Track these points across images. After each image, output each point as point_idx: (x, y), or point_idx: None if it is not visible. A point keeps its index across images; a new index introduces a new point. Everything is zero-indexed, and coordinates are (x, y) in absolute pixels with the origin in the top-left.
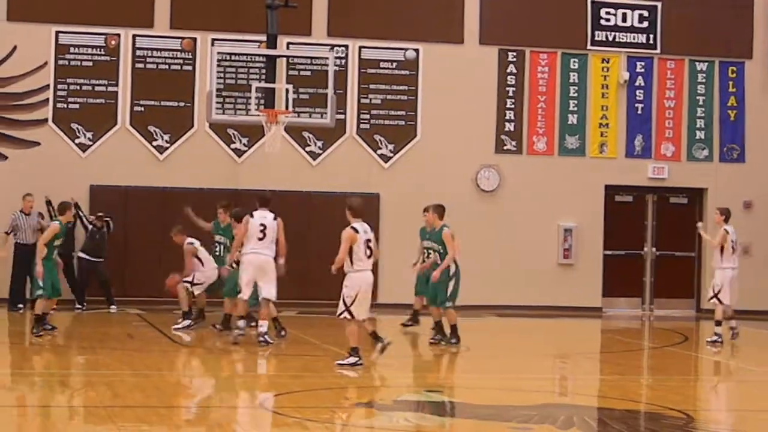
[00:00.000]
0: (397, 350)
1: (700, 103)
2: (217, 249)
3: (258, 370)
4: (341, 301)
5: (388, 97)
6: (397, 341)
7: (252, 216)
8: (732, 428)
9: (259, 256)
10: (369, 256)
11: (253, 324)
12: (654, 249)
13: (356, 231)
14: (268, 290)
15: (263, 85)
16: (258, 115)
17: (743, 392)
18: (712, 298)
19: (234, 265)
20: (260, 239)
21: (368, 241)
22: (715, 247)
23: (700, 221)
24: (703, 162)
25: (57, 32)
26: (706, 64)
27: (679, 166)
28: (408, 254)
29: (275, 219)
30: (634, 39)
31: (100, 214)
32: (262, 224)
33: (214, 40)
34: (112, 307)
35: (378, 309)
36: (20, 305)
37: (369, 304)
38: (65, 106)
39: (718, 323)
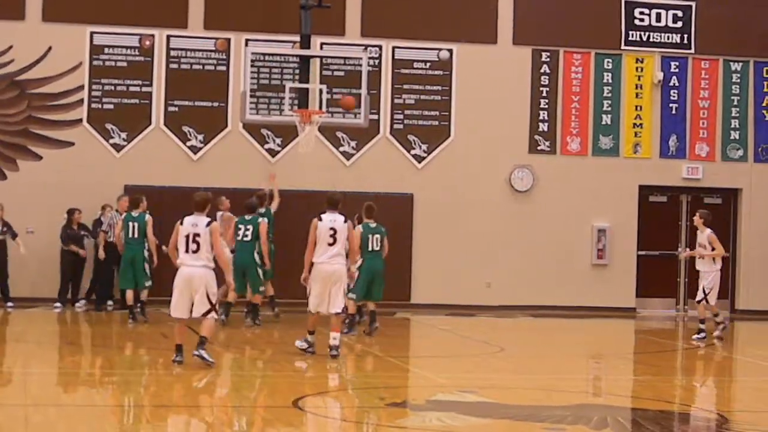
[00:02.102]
0: (430, 350)
1: (735, 103)
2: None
3: (290, 370)
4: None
5: (422, 97)
6: (431, 340)
7: (320, 219)
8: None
9: (329, 266)
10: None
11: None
12: (688, 249)
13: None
14: (335, 304)
15: (297, 85)
16: (292, 116)
17: None
18: (702, 299)
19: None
20: (330, 245)
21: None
22: (718, 254)
23: (683, 251)
24: (737, 162)
25: (92, 33)
26: (741, 63)
27: (713, 166)
28: (441, 254)
29: (345, 222)
30: (668, 39)
31: None
32: (332, 228)
33: (247, 40)
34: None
35: (412, 309)
36: (110, 302)
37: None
38: (100, 106)
39: (703, 321)
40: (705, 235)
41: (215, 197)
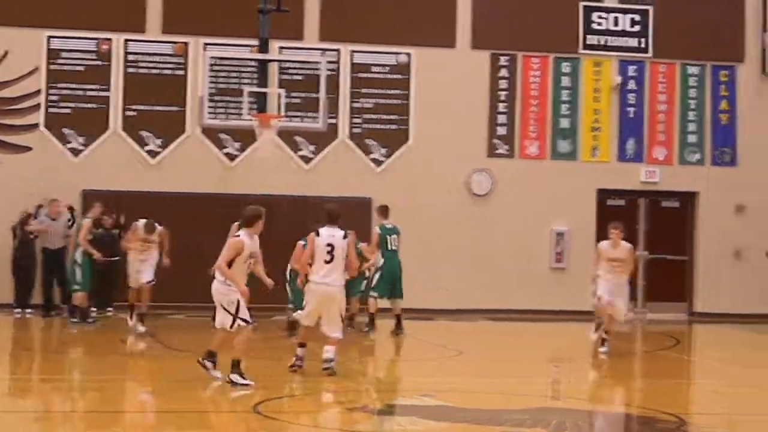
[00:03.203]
0: (388, 354)
1: (692, 106)
2: None
3: (252, 375)
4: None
5: (380, 101)
6: (389, 344)
7: (318, 234)
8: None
9: (325, 288)
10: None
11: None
12: (646, 253)
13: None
14: (332, 329)
15: (255, 89)
16: (250, 120)
17: (735, 395)
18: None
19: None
20: (327, 262)
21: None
22: (633, 271)
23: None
24: (695, 166)
25: (48, 37)
26: (698, 67)
27: (671, 169)
28: (402, 258)
29: (345, 237)
30: (626, 43)
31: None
32: (329, 244)
33: (206, 44)
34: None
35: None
36: (53, 311)
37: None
38: (57, 111)
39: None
40: (623, 248)
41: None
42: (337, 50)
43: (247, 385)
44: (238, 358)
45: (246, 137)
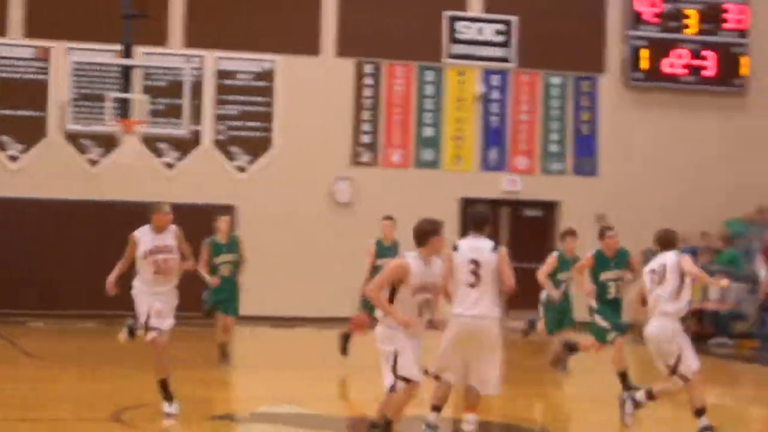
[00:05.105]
0: (253, 361)
1: (555, 116)
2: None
3: (109, 383)
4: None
5: (245, 108)
6: (254, 352)
7: (456, 249)
8: None
9: (473, 323)
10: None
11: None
12: None
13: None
14: (488, 382)
15: (119, 95)
16: (113, 126)
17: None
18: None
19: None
20: (471, 286)
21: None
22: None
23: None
24: (556, 175)
25: None
26: (561, 78)
27: (533, 179)
28: (263, 266)
29: (495, 249)
30: (489, 53)
31: None
32: (473, 261)
33: (69, 48)
34: None
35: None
36: None
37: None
38: None
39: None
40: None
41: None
42: (202, 56)
43: None
44: (391, 419)
45: (109, 143)
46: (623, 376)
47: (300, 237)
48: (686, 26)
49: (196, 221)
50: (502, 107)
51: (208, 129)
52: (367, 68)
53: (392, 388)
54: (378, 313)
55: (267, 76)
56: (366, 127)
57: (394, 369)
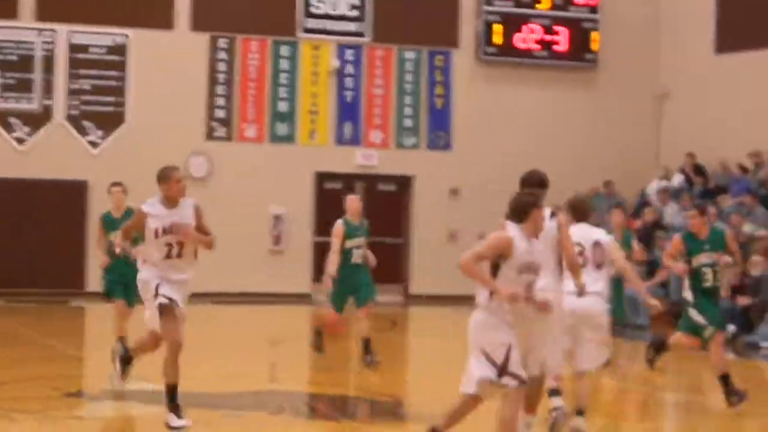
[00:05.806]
0: (105, 338)
1: (409, 91)
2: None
3: None
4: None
5: (98, 82)
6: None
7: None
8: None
9: (578, 301)
10: None
11: None
12: None
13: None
14: (591, 356)
15: None
16: None
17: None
18: None
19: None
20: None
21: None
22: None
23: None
24: (411, 149)
25: None
26: (415, 52)
27: (387, 153)
28: None
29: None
30: (344, 27)
31: None
32: (578, 244)
33: None
34: None
35: (87, 297)
36: None
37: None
38: None
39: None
40: None
41: None
42: (54, 30)
43: None
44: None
45: None
46: (725, 380)
47: None
48: (538, 1)
49: (49, 197)
50: (356, 82)
51: (60, 104)
52: (221, 43)
53: (498, 380)
54: (478, 297)
55: (120, 50)
56: (220, 101)
57: (505, 365)
